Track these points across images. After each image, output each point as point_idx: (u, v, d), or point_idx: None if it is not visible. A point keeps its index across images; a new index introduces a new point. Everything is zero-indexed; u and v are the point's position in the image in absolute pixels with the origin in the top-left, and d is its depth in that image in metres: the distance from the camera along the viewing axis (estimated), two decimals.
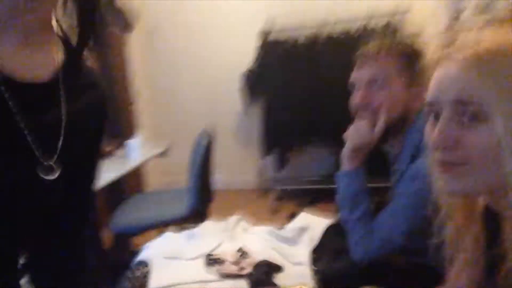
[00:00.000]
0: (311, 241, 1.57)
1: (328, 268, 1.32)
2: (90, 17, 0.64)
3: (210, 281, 1.37)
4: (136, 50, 4.06)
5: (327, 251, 1.49)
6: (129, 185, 3.02)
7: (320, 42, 3.49)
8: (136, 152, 2.52)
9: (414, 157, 1.11)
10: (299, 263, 1.45)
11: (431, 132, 0.66)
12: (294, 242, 1.60)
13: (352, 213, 1.17)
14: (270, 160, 3.89)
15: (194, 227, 1.76)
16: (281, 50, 3.59)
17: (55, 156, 0.64)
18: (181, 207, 2.25)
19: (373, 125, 1.16)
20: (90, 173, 0.77)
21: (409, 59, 1.15)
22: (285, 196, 3.70)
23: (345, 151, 1.20)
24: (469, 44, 0.63)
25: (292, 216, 1.83)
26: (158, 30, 4.08)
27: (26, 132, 0.58)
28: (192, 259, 1.51)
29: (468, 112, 0.61)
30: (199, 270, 1.44)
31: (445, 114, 0.64)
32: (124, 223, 2.20)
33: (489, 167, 0.61)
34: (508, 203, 0.60)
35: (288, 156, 3.82)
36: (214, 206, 2.53)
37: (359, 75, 1.20)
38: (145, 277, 1.43)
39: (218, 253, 1.52)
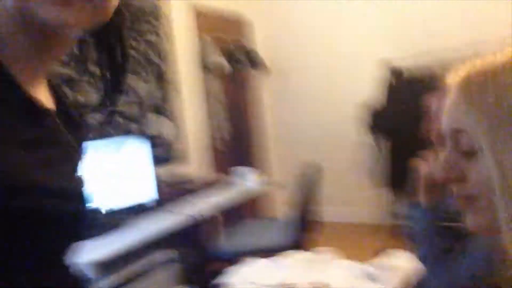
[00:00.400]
0: (394, 279, 1.48)
1: None
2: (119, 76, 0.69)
3: None
4: (265, 88, 4.38)
5: None
6: (242, 210, 3.23)
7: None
8: (253, 182, 2.71)
9: None
10: None
11: None
12: (377, 279, 1.52)
13: (427, 250, 1.09)
14: (394, 196, 3.69)
15: (280, 255, 1.80)
16: (412, 86, 3.45)
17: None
18: (281, 236, 2.32)
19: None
20: None
21: None
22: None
23: (419, 185, 1.13)
24: (462, 70, 0.59)
25: (379, 252, 1.74)
26: (286, 71, 4.32)
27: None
28: (269, 286, 1.56)
29: (464, 142, 0.56)
30: None
31: (447, 145, 0.60)
32: (227, 248, 2.36)
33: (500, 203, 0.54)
34: None
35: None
36: (323, 238, 2.55)
37: (441, 103, 1.13)
38: None
39: (295, 283, 1.54)
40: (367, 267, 1.61)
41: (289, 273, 1.64)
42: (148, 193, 2.26)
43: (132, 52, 2.88)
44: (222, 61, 3.77)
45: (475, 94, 0.55)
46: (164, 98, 3.15)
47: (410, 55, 3.49)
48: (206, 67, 3.64)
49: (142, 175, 2.26)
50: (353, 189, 4.04)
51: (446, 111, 0.61)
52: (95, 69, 0.69)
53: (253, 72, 4.13)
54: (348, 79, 3.99)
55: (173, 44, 3.28)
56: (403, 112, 3.48)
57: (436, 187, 1.12)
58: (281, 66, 4.30)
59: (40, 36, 0.57)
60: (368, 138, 3.71)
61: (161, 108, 3.11)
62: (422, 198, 1.14)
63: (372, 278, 1.54)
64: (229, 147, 3.76)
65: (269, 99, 4.41)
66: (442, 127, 0.62)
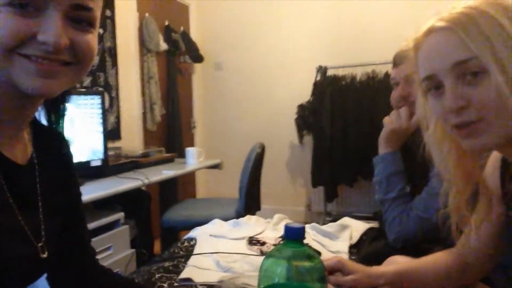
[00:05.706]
0: (350, 238, 1.61)
1: (364, 250, 1.36)
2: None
3: (250, 255, 1.45)
4: (201, 79, 4.41)
5: (365, 244, 1.53)
6: (183, 190, 3.21)
7: (377, 80, 3.60)
8: (193, 159, 2.71)
9: None
10: (337, 252, 1.50)
11: (437, 103, 0.70)
12: (334, 236, 1.65)
13: (388, 194, 1.23)
14: (319, 192, 3.92)
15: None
16: (338, 85, 3.74)
17: (43, 239, 0.67)
18: (229, 211, 2.37)
19: (412, 114, 1.25)
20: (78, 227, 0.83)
21: None
22: None
23: (383, 135, 1.29)
24: (446, 13, 0.69)
25: (334, 220, 1.88)
26: (222, 63, 4.40)
27: (17, 212, 0.62)
28: (236, 239, 1.60)
29: (469, 69, 0.65)
30: (241, 246, 1.53)
31: (449, 80, 0.67)
32: (175, 219, 2.34)
33: (502, 118, 0.64)
34: None
35: (336, 191, 3.84)
36: None
37: (397, 72, 1.31)
38: (191, 247, 1.54)
39: (261, 237, 1.60)
40: (325, 227, 1.73)
41: (252, 230, 1.70)
42: (96, 154, 2.16)
43: None
44: (161, 41, 3.72)
45: (473, 25, 0.65)
46: (106, 74, 3.04)
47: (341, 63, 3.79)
48: (145, 46, 3.56)
49: (93, 134, 2.16)
50: (285, 185, 4.19)
51: (439, 51, 0.69)
52: None
53: (188, 59, 4.13)
54: (282, 79, 4.17)
55: (113, 20, 3.17)
56: (324, 107, 3.73)
57: (397, 137, 1.30)
58: (217, 60, 4.38)
59: (18, 101, 0.60)
60: (298, 133, 3.90)
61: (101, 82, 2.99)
62: (385, 148, 1.31)
63: (331, 236, 1.66)
64: (159, 127, 3.72)
65: (202, 88, 4.43)
66: (431, 69, 0.71)
